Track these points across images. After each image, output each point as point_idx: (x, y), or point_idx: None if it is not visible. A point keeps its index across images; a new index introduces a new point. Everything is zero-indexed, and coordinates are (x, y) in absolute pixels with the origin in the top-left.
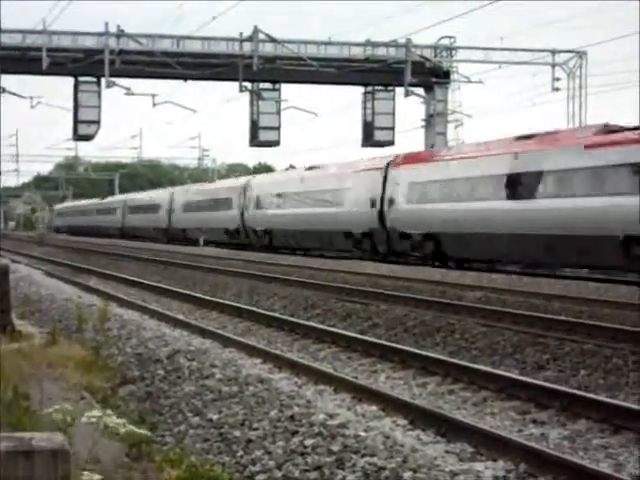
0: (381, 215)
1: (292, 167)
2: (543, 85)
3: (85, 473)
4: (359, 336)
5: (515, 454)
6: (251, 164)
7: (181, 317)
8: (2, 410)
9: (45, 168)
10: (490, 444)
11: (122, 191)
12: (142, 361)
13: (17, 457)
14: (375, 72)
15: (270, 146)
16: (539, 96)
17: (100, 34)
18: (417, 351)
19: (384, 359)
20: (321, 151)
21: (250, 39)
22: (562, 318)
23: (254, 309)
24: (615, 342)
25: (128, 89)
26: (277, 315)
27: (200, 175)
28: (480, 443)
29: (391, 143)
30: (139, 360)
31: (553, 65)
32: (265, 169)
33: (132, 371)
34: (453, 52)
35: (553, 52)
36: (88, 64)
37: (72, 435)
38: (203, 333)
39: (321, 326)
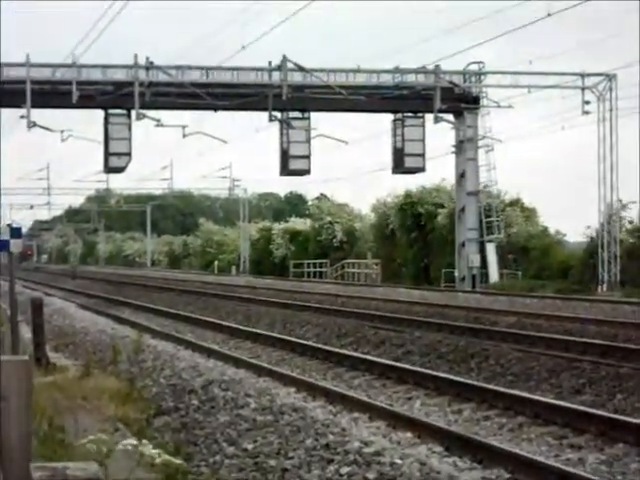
0: None
1: (324, 196)
2: (573, 109)
3: None
4: (393, 363)
5: (552, 479)
6: (282, 193)
7: (215, 347)
8: (37, 443)
9: (76, 201)
10: (527, 470)
11: (153, 224)
12: (176, 392)
13: None
14: (404, 99)
15: (300, 175)
16: (569, 119)
17: (129, 66)
18: (452, 377)
19: (419, 386)
20: (351, 179)
21: (279, 68)
22: (597, 342)
23: (287, 338)
24: None
25: (158, 120)
26: (310, 344)
27: (231, 206)
28: (517, 469)
29: (422, 170)
30: (173, 391)
31: (583, 88)
32: (297, 198)
33: (167, 402)
34: (482, 77)
35: (582, 75)
36: (118, 96)
37: (108, 466)
38: (237, 363)
39: (355, 354)
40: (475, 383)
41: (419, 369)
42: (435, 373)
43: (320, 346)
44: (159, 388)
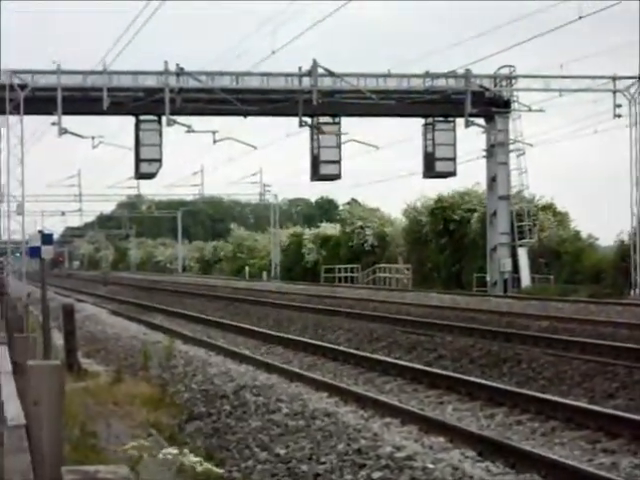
0: None
1: (354, 201)
2: (605, 112)
3: None
4: (425, 368)
5: None
6: (313, 198)
7: (246, 352)
8: (70, 448)
9: (108, 207)
10: (560, 474)
11: (184, 229)
12: (208, 397)
13: None
14: (435, 103)
15: (331, 180)
16: (601, 123)
17: (160, 73)
18: (484, 382)
19: (451, 390)
20: (382, 184)
21: (309, 73)
22: (630, 345)
23: (319, 343)
24: None
25: (189, 127)
26: (342, 349)
27: (261, 211)
28: (550, 473)
29: (453, 174)
30: (205, 396)
31: (614, 91)
32: (327, 203)
33: (198, 407)
34: (513, 81)
35: (614, 78)
36: (148, 103)
37: (140, 471)
38: (269, 368)
39: (386, 359)
40: (507, 387)
41: (451, 374)
42: (467, 378)
43: (352, 351)
44: (191, 393)
